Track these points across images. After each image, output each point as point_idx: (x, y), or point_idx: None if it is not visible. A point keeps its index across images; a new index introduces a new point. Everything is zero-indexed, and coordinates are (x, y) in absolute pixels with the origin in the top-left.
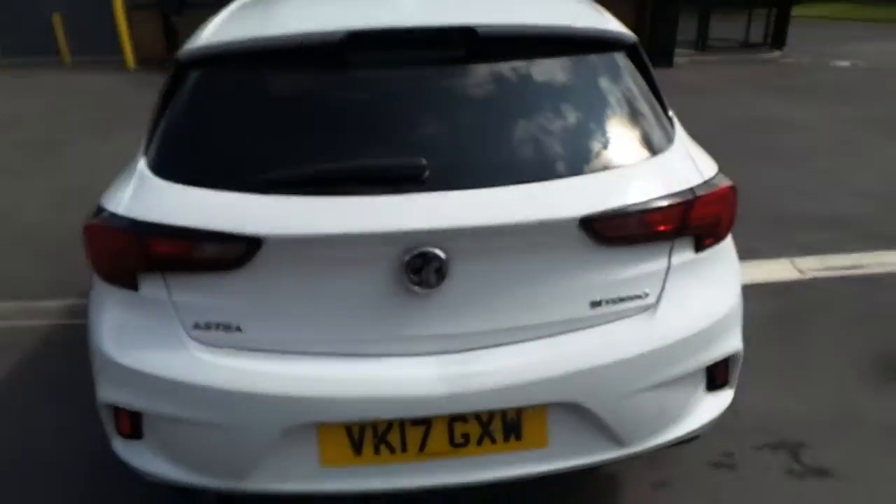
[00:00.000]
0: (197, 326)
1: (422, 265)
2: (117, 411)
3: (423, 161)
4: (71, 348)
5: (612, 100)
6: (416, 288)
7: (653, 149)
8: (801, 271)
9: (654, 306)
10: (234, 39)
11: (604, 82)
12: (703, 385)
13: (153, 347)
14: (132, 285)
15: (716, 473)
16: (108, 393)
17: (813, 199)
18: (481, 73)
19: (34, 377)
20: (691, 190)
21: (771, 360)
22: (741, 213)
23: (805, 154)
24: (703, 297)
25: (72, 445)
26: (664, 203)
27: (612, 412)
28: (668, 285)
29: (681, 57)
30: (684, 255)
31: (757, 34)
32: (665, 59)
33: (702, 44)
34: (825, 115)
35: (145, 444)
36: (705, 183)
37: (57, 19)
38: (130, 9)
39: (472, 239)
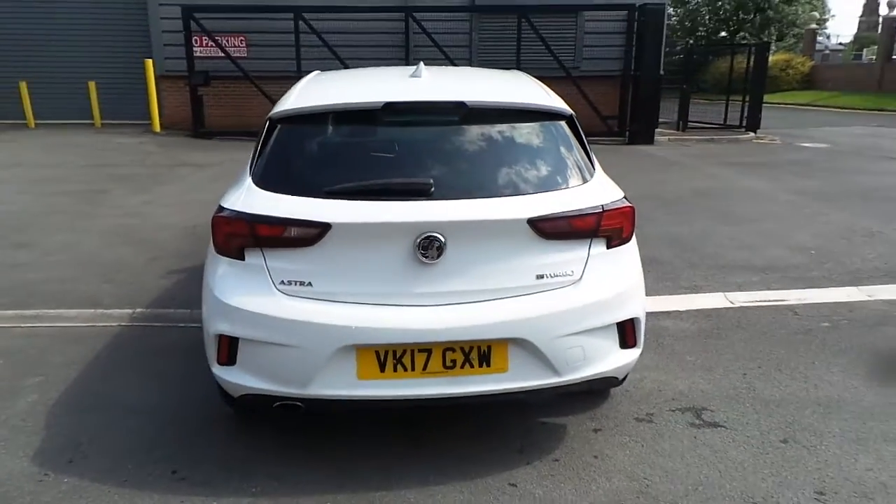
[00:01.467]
0: (282, 283)
1: (428, 245)
2: (221, 342)
3: (431, 181)
4: (135, 340)
5: (554, 150)
6: (424, 260)
7: (577, 182)
8: (731, 302)
9: (578, 281)
10: (306, 105)
11: (549, 139)
12: (616, 342)
13: (253, 295)
14: (240, 256)
15: (638, 424)
16: (218, 326)
17: (753, 251)
18: (469, 129)
19: (115, 357)
20: (601, 206)
21: (693, 359)
22: (691, 260)
23: (755, 217)
24: (612, 277)
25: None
26: (581, 213)
27: (550, 348)
28: (587, 268)
29: (662, 136)
30: (599, 249)
31: (734, 117)
32: (646, 138)
33: (682, 125)
34: (781, 187)
35: (237, 367)
36: (611, 203)
37: (92, 86)
38: (158, 77)
39: (461, 229)
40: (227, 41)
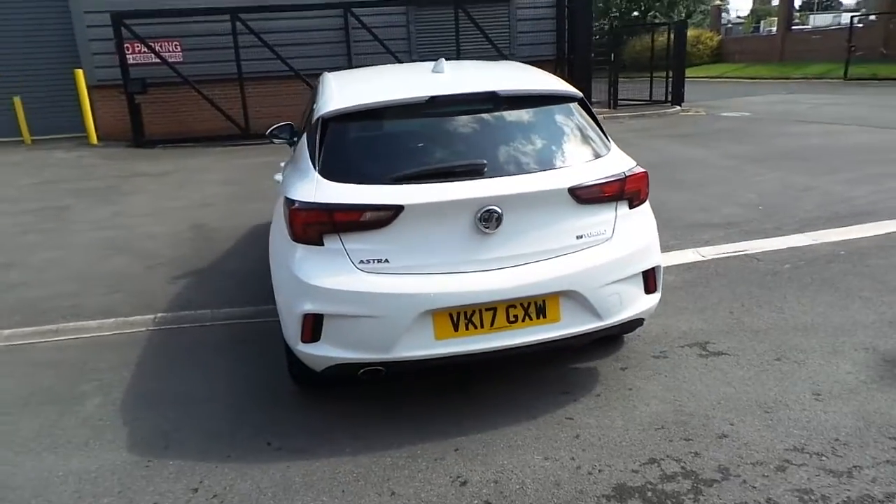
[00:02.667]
0: (362, 262)
1: (488, 217)
2: (305, 321)
3: (485, 161)
4: (168, 341)
5: (575, 127)
6: (485, 230)
7: (600, 154)
8: (703, 255)
9: (610, 238)
10: (357, 103)
11: (569, 118)
12: (642, 289)
13: (335, 275)
14: (320, 242)
15: (657, 360)
16: (304, 306)
17: (710, 211)
18: (501, 114)
19: (157, 357)
20: (623, 174)
21: (685, 305)
22: (659, 223)
23: (703, 182)
24: (636, 233)
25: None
26: (609, 180)
27: (594, 297)
28: (616, 227)
29: (597, 114)
30: (623, 210)
31: (659, 93)
32: None
33: (613, 102)
34: (717, 153)
35: (323, 341)
36: (630, 170)
37: (17, 102)
38: (91, 88)
39: (515, 201)
40: (162, 46)
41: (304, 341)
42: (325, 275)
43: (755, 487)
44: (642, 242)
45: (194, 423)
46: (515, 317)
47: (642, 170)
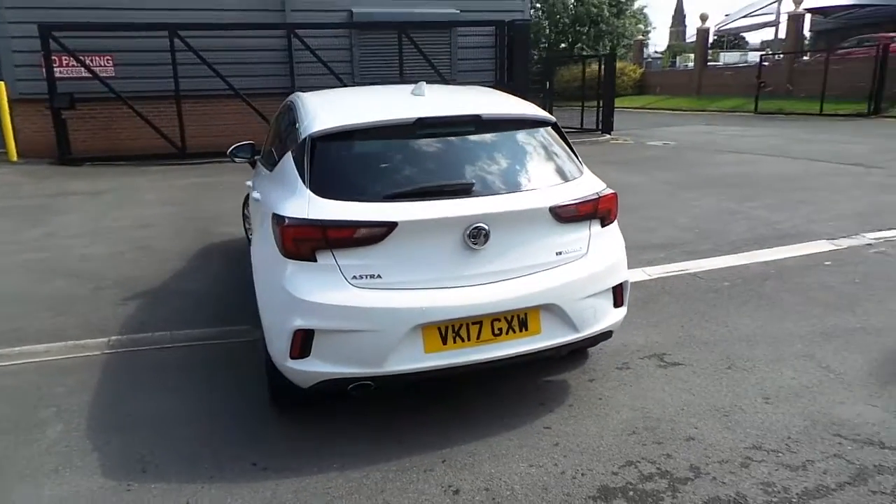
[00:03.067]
0: (354, 277)
1: (477, 234)
2: (296, 336)
3: (473, 181)
4: (127, 364)
5: (551, 150)
6: (473, 246)
7: (574, 176)
8: (649, 275)
9: (585, 254)
10: (345, 123)
11: (545, 141)
12: (611, 303)
13: (327, 290)
14: (312, 258)
15: (621, 372)
16: (296, 322)
17: (651, 233)
18: (484, 137)
19: (117, 380)
20: (597, 194)
21: (639, 320)
22: None
23: (641, 205)
24: (608, 250)
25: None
26: (585, 200)
27: (571, 310)
28: (590, 244)
29: None
30: (596, 229)
31: (589, 121)
32: None
33: None
34: (651, 179)
35: (312, 357)
36: (602, 191)
37: None
38: (12, 101)
39: (501, 219)
40: (93, 61)
41: (293, 357)
42: (317, 290)
43: (724, 483)
44: (613, 258)
45: (170, 446)
46: (500, 330)
47: (612, 191)
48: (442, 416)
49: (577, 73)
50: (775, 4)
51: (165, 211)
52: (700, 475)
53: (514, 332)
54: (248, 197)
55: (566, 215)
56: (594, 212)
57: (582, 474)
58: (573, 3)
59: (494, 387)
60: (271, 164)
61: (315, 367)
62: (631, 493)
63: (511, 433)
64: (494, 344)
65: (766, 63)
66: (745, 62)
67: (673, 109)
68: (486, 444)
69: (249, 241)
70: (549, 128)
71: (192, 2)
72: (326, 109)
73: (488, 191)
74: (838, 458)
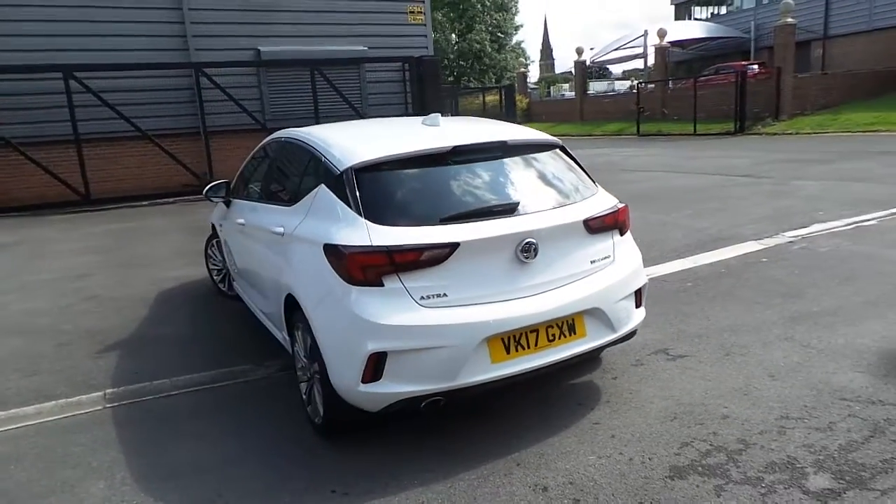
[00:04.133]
0: (422, 297)
1: (528, 248)
2: (369, 360)
3: (518, 201)
4: (141, 416)
5: (568, 169)
6: (525, 260)
7: (593, 191)
8: None
9: (613, 261)
10: (384, 154)
11: (561, 162)
12: (634, 304)
13: (399, 313)
14: (379, 283)
15: (638, 367)
16: (370, 346)
17: None
18: (509, 160)
19: (140, 432)
20: (616, 206)
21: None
22: None
23: None
24: (629, 256)
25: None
26: (609, 212)
27: (610, 312)
28: (615, 252)
29: None
30: (617, 238)
31: None
32: None
33: None
34: None
35: (384, 379)
36: (617, 204)
37: None
38: None
39: (547, 233)
40: None
41: (364, 382)
42: (389, 313)
43: (773, 449)
44: (635, 263)
45: (236, 486)
46: (553, 336)
47: (624, 204)
48: (491, 427)
49: (478, 102)
50: (642, 38)
51: (93, 260)
52: (749, 446)
53: (565, 336)
54: (211, 238)
55: (596, 227)
56: (615, 223)
57: (649, 458)
58: (456, 39)
59: (524, 396)
60: (284, 199)
61: (389, 389)
62: (699, 468)
63: (566, 432)
64: (550, 349)
65: (642, 90)
66: (613, 91)
67: (562, 135)
68: (548, 444)
69: (216, 281)
70: (559, 149)
71: (91, 42)
72: (354, 142)
73: (531, 209)
74: (853, 417)
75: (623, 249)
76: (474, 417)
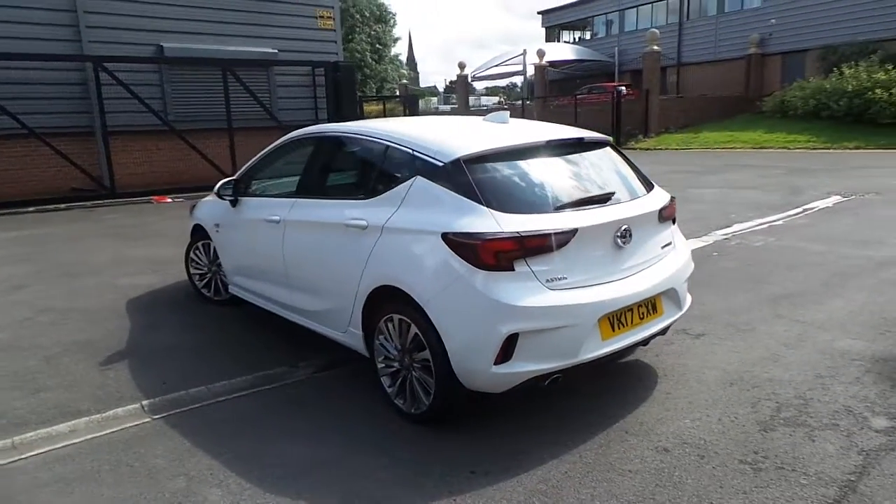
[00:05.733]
0: (548, 280)
1: (625, 234)
2: (505, 342)
3: (613, 191)
4: (200, 421)
5: (628, 164)
6: (622, 245)
7: (651, 184)
8: None
9: (675, 247)
10: (493, 147)
11: (621, 157)
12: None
13: (531, 295)
14: (510, 267)
15: (669, 346)
16: (506, 327)
17: None
18: (587, 154)
19: (210, 438)
20: (672, 198)
21: None
22: None
23: None
24: (683, 243)
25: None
26: (670, 203)
27: (681, 292)
28: (674, 239)
29: None
30: (674, 227)
31: None
32: None
33: None
34: None
35: (514, 360)
36: (671, 196)
37: None
38: None
39: (637, 220)
40: None
41: (496, 363)
42: (522, 296)
43: (827, 400)
44: (688, 250)
45: (369, 480)
46: (643, 314)
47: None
48: (577, 405)
49: (378, 109)
50: (521, 57)
51: (21, 270)
52: (808, 400)
53: (650, 314)
54: (194, 242)
55: (665, 215)
56: (672, 212)
57: (734, 418)
58: None
59: (586, 377)
60: (350, 193)
61: (519, 369)
62: (781, 421)
63: (647, 403)
64: (641, 327)
65: (526, 107)
66: (479, 105)
67: None
68: (640, 415)
69: (198, 287)
70: (610, 146)
71: None
72: (444, 135)
73: (622, 198)
74: (871, 372)
75: (679, 237)
76: (555, 397)
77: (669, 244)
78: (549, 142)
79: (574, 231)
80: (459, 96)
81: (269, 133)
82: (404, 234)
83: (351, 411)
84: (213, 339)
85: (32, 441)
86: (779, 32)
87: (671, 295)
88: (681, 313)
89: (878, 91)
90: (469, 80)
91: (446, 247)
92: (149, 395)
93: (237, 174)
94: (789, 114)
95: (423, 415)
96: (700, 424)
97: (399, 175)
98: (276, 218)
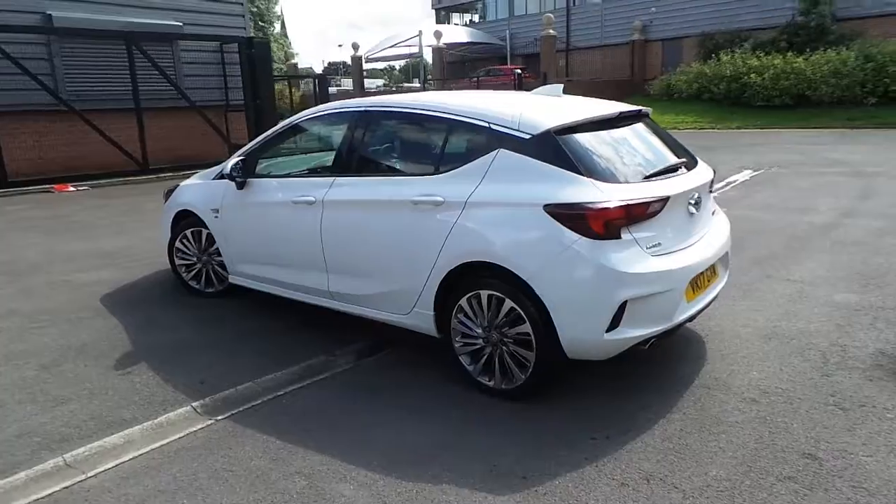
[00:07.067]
0: (648, 247)
1: (697, 201)
2: (619, 309)
3: (683, 160)
4: (280, 413)
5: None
6: (695, 211)
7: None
8: None
9: (718, 214)
10: (577, 119)
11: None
12: None
13: (639, 262)
14: (618, 235)
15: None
16: (622, 294)
17: None
18: (646, 126)
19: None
20: (714, 170)
21: None
22: None
23: None
24: (720, 211)
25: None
26: (714, 173)
27: (729, 256)
28: (715, 209)
29: None
30: (713, 195)
31: None
32: None
33: None
34: None
35: (622, 326)
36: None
37: None
38: None
39: (703, 189)
40: None
41: (607, 331)
42: (631, 262)
43: (860, 345)
44: (726, 217)
45: (505, 453)
46: (709, 278)
47: None
48: (644, 371)
49: (279, 90)
50: (417, 38)
51: None
52: (844, 347)
53: (713, 277)
54: (179, 232)
55: (711, 186)
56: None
57: (794, 367)
58: None
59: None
60: (411, 170)
61: (628, 334)
62: (833, 366)
63: (709, 362)
64: (708, 289)
65: (423, 85)
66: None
67: None
68: (707, 373)
69: (185, 280)
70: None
71: None
72: (518, 108)
73: (688, 168)
74: (879, 319)
75: (717, 206)
76: (620, 365)
77: (715, 212)
78: (621, 113)
79: (667, 199)
80: (354, 78)
81: (182, 114)
82: (494, 207)
83: (429, 394)
84: (228, 334)
85: (88, 457)
86: (659, 20)
87: (724, 259)
88: (726, 278)
89: (752, 76)
90: (364, 61)
91: (550, 218)
92: (193, 396)
93: (240, 153)
94: (675, 96)
95: (515, 390)
96: (767, 375)
97: (474, 149)
98: (311, 198)
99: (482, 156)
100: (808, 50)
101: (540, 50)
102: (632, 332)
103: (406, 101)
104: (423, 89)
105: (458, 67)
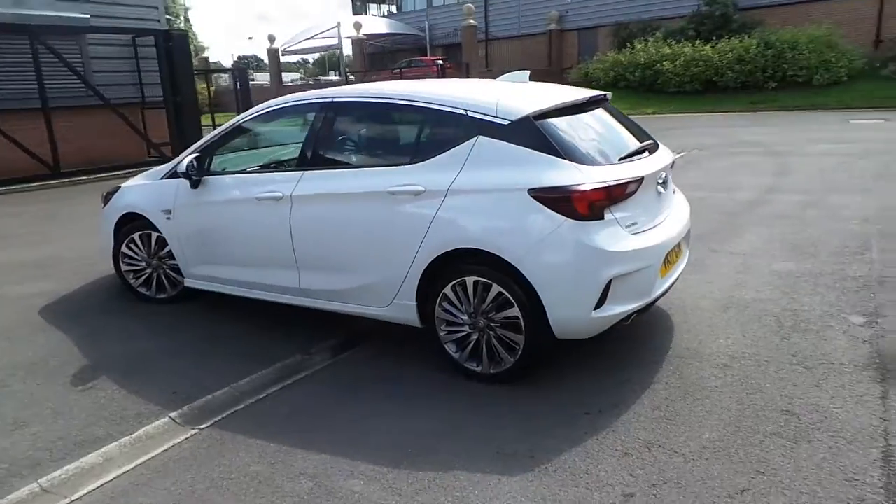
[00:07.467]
0: (627, 226)
1: (664, 181)
2: (606, 287)
3: (651, 142)
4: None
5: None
6: (662, 191)
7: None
8: None
9: (677, 192)
10: (551, 104)
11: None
12: None
13: (621, 241)
14: (601, 217)
15: None
16: (609, 273)
17: None
18: (609, 110)
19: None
20: (675, 154)
21: None
22: None
23: None
24: (678, 190)
25: None
26: (674, 158)
27: (690, 235)
28: (675, 189)
29: None
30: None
31: None
32: None
33: None
34: None
35: (608, 303)
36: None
37: None
38: None
39: (668, 168)
40: None
41: (594, 309)
42: (615, 242)
43: (808, 309)
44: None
45: (506, 433)
46: (676, 255)
47: None
48: (618, 347)
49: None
50: (335, 29)
51: None
52: (795, 311)
53: (678, 253)
54: (125, 236)
55: (672, 168)
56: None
57: (754, 333)
58: None
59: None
60: (388, 160)
61: (613, 311)
62: (788, 329)
63: (678, 333)
64: (675, 266)
65: (344, 78)
66: (301, 80)
67: None
68: (680, 342)
69: (133, 286)
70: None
71: None
72: (492, 95)
73: (652, 151)
74: (820, 285)
75: (675, 185)
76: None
77: (675, 190)
78: (590, 98)
79: (642, 179)
80: (272, 72)
81: (94, 112)
82: (478, 193)
83: (414, 384)
84: (190, 340)
85: (66, 480)
86: (574, 10)
87: (686, 237)
88: (688, 254)
89: (665, 63)
90: (280, 54)
91: (535, 202)
92: (169, 407)
93: (192, 149)
94: (592, 84)
95: (503, 373)
96: (734, 342)
97: (452, 137)
98: (278, 194)
99: (461, 143)
100: (714, 38)
101: (461, 40)
102: (617, 309)
103: (378, 91)
104: (346, 81)
105: (378, 59)
